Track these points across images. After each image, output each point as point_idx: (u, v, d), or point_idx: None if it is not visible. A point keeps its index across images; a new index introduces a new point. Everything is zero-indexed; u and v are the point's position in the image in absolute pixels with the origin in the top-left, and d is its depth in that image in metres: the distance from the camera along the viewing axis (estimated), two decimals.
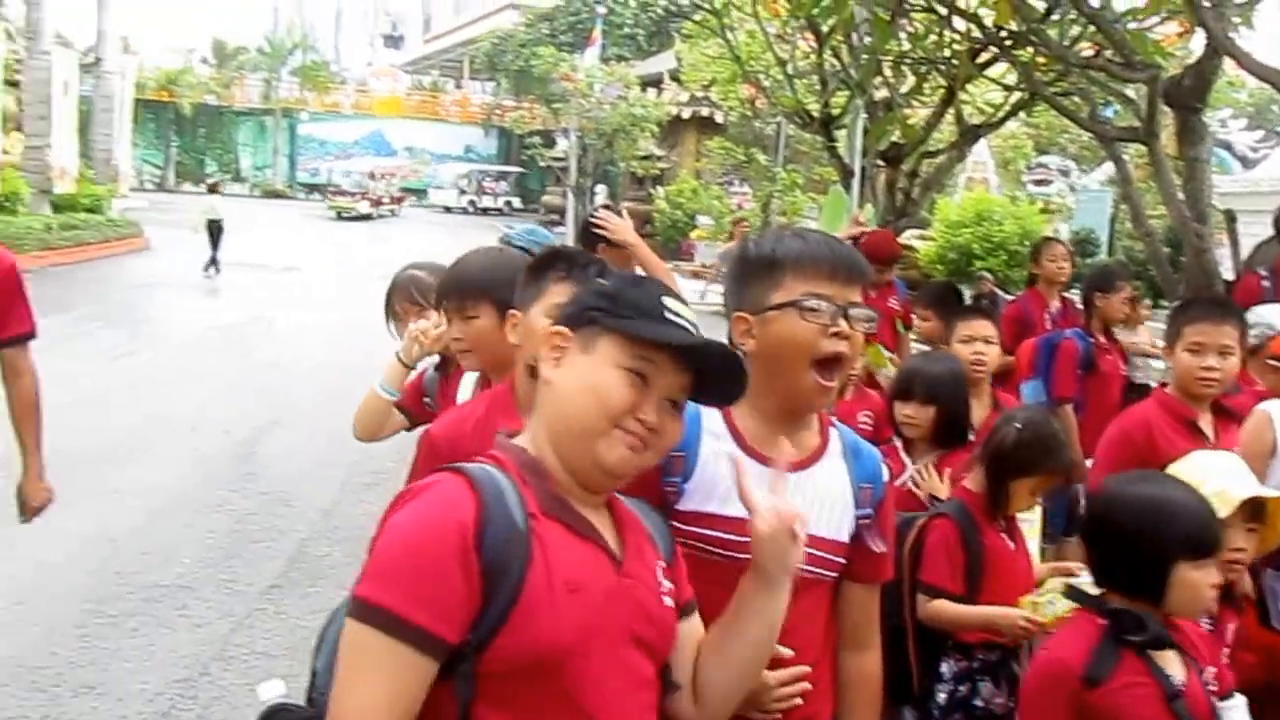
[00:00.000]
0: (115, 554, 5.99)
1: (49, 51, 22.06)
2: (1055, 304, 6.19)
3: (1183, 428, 3.38)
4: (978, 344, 4.05)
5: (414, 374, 3.43)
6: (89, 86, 28.20)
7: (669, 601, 1.68)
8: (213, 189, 23.53)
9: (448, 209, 45.45)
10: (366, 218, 38.00)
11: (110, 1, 27.00)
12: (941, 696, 2.98)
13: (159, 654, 4.80)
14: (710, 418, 2.03)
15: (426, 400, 3.43)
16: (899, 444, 3.64)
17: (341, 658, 1.45)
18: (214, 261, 20.33)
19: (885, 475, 2.11)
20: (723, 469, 1.96)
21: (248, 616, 5.23)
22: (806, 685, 1.96)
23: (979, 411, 3.84)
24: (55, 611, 5.20)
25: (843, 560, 2.03)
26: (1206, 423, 3.42)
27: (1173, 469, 2.62)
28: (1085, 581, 2.62)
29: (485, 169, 49.25)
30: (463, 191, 46.70)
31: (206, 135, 47.24)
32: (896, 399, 3.67)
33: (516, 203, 48.10)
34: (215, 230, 20.34)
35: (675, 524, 1.97)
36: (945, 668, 2.99)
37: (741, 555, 1.91)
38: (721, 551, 1.97)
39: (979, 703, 2.97)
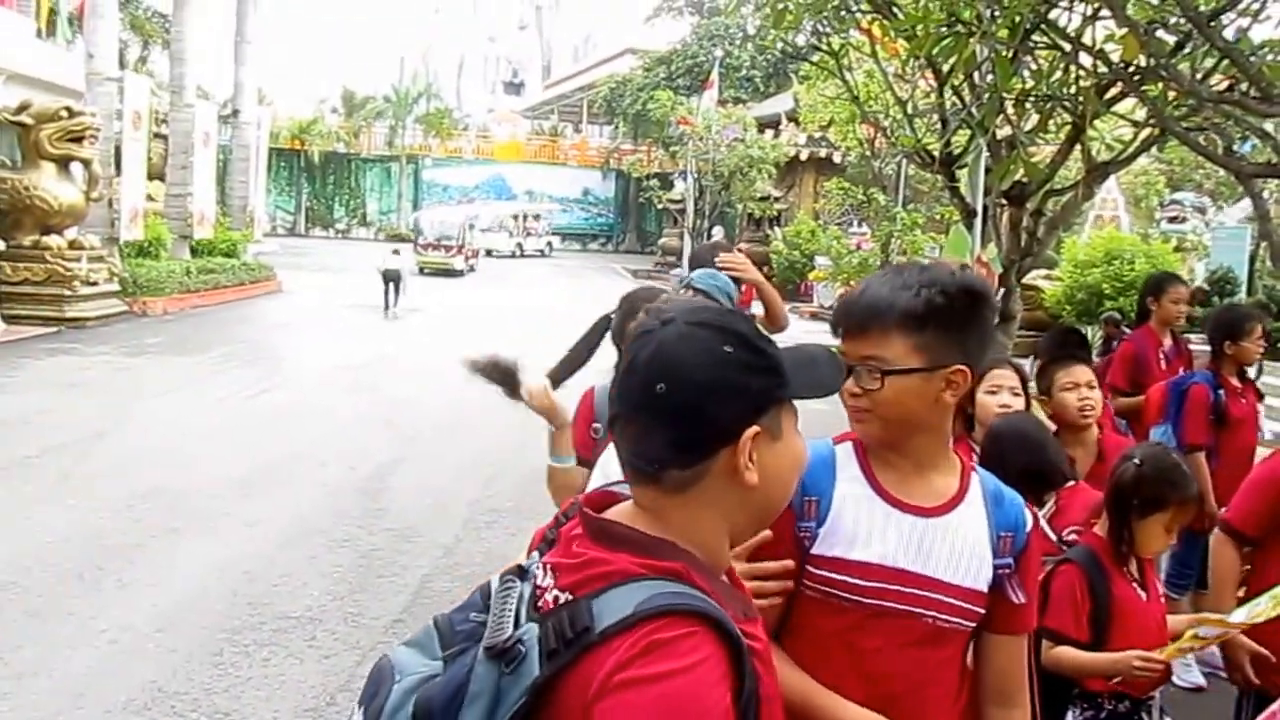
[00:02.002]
0: (249, 584, 6.19)
1: (192, 105, 23.17)
2: (1168, 341, 5.99)
3: None
4: (1082, 389, 3.88)
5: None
6: (226, 136, 29.50)
7: None
8: (395, 252, 23.87)
9: (489, 252, 41.23)
10: (458, 274, 33.15)
11: (247, 56, 28.22)
12: None
13: (289, 683, 4.95)
14: (845, 461, 2.01)
15: (596, 426, 3.23)
16: None
17: None
18: (389, 301, 21.76)
19: (1028, 524, 2.04)
20: (857, 512, 1.95)
21: (373, 649, 5.34)
22: None
23: (1084, 459, 3.73)
24: (192, 639, 5.40)
25: (981, 610, 1.97)
26: None
27: None
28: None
29: (525, 208, 46.95)
30: (511, 233, 44.15)
31: (335, 182, 48.94)
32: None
33: (556, 242, 46.87)
34: (390, 279, 21.70)
35: (809, 568, 1.96)
36: (1071, 717, 2.93)
37: (870, 600, 1.93)
38: (851, 596, 1.94)
39: None
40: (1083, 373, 3.96)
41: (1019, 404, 3.74)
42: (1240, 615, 2.83)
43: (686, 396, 1.39)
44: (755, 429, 1.40)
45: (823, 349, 1.62)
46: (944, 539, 1.95)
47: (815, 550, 1.95)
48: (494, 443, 9.98)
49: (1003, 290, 8.97)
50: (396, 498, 8.22)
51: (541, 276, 33.80)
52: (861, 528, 1.95)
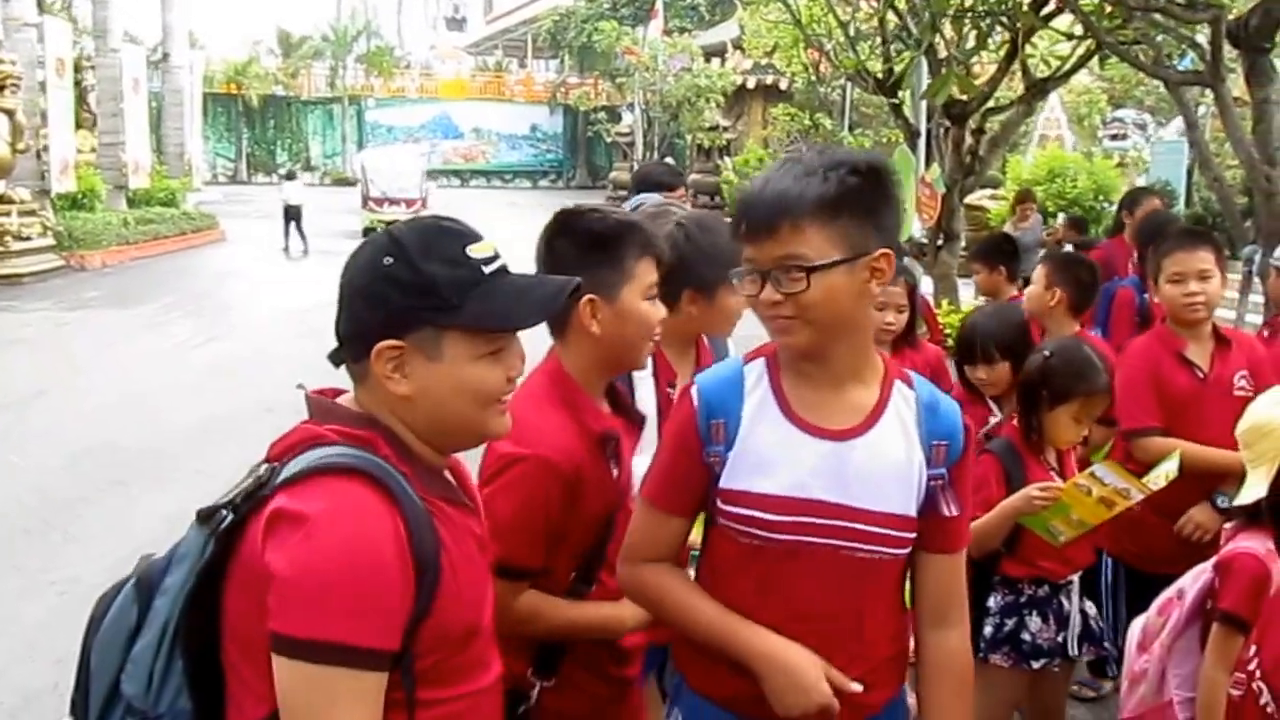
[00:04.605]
0: None
1: (118, 49, 22.55)
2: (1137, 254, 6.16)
3: (1174, 360, 3.46)
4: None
5: None
6: (157, 83, 28.77)
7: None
8: (289, 176, 24.44)
9: None
10: None
11: None
12: (988, 630, 3.03)
13: None
14: (755, 381, 1.87)
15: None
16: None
17: (299, 702, 1.38)
18: (290, 242, 22.02)
19: (964, 432, 1.89)
20: (766, 438, 1.82)
21: None
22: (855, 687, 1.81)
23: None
24: None
25: (911, 535, 1.84)
26: (1203, 351, 3.47)
27: None
28: None
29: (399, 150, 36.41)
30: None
31: (276, 126, 47.90)
32: (964, 363, 3.64)
33: (433, 187, 36.53)
34: (292, 214, 22.06)
35: (719, 502, 1.85)
36: (992, 602, 3.05)
37: (784, 536, 1.80)
38: (763, 533, 1.82)
39: (1026, 636, 3.01)
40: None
41: (903, 319, 3.81)
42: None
43: (344, 296, 1.54)
44: (391, 343, 1.48)
45: (553, 282, 1.64)
46: (863, 462, 1.80)
47: (724, 482, 1.83)
48: None
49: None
50: None
51: (491, 216, 33.43)
52: (771, 455, 1.81)
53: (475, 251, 1.52)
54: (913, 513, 1.83)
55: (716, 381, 1.89)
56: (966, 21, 8.27)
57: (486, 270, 1.52)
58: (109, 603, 1.56)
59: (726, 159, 30.42)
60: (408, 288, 1.48)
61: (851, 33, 10.95)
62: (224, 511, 1.44)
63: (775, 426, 1.82)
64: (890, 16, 9.87)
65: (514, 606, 1.93)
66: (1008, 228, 10.13)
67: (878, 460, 1.81)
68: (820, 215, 1.70)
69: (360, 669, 1.37)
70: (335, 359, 1.59)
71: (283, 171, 29.20)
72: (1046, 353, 3.07)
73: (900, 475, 1.82)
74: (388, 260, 1.49)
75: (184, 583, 1.44)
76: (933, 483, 1.84)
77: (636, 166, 33.67)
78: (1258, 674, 2.10)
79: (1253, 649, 2.16)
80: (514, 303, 1.52)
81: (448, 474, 1.63)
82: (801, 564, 1.80)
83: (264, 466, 1.49)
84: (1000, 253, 5.44)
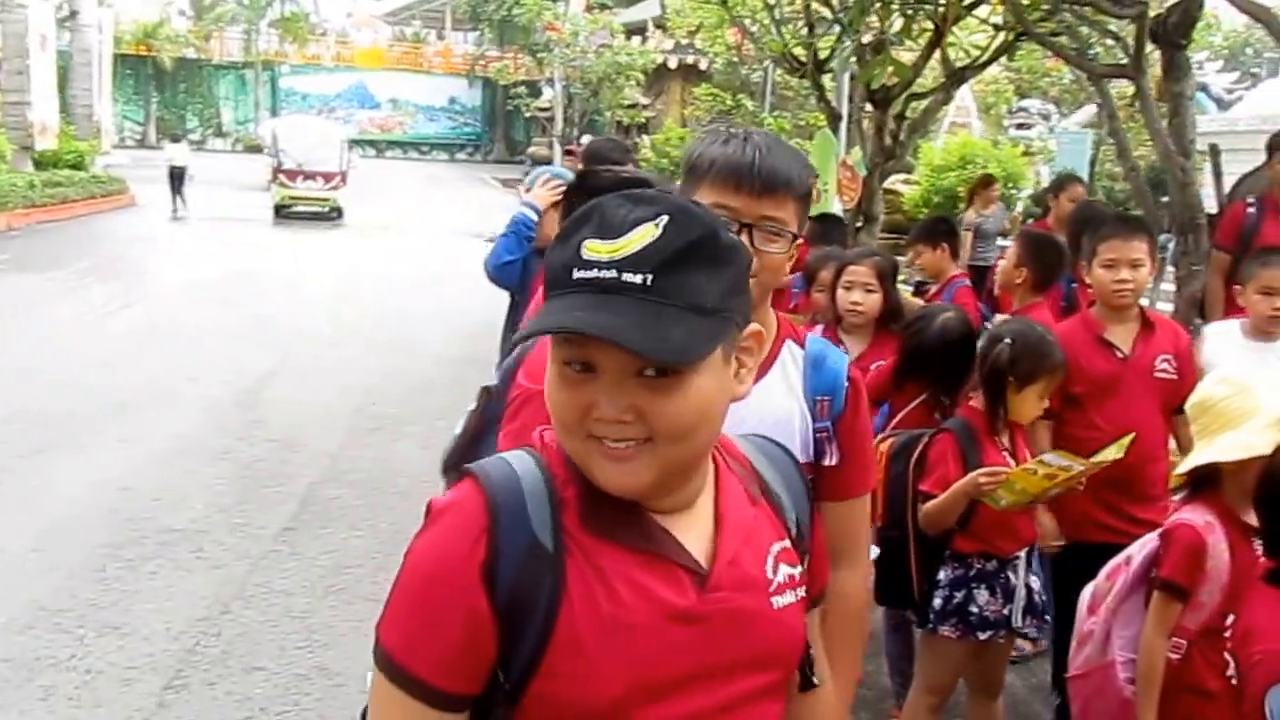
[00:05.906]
0: (127, 501, 6.09)
1: (24, 4, 21.74)
2: (1062, 238, 6.41)
3: (1093, 342, 3.60)
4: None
5: None
6: (65, 41, 27.78)
7: (784, 600, 1.37)
8: (175, 139, 24.94)
9: None
10: (330, 216, 23.58)
11: None
12: (938, 602, 3.16)
13: (179, 594, 4.93)
14: None
15: None
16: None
17: (372, 710, 1.28)
18: (176, 206, 22.18)
19: (846, 386, 2.01)
20: None
21: (263, 557, 5.35)
22: None
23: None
24: (72, 557, 5.31)
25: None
26: (1127, 334, 3.62)
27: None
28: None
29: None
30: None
31: (187, 90, 46.56)
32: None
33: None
34: (177, 176, 22.10)
35: None
36: (943, 575, 3.18)
37: None
38: None
39: (974, 609, 3.14)
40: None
41: (873, 300, 3.99)
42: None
43: None
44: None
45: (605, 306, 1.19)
46: (747, 411, 1.86)
47: None
48: (370, 354, 9.92)
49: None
50: (276, 410, 8.12)
51: (409, 185, 33.02)
52: None
53: (591, 250, 1.19)
54: (798, 458, 1.95)
55: None
56: (894, 7, 8.45)
57: (576, 275, 1.19)
58: None
59: (644, 137, 30.47)
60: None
61: (776, 15, 11.09)
62: None
63: None
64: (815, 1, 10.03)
65: None
66: (970, 215, 10.09)
67: (760, 411, 1.90)
68: (800, 197, 1.92)
69: (405, 692, 1.21)
70: None
71: (195, 137, 28.77)
72: (1008, 340, 3.21)
73: (782, 425, 1.93)
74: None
75: None
76: (819, 435, 1.99)
77: (555, 142, 33.64)
78: (1229, 644, 2.27)
79: (1230, 618, 2.33)
80: (548, 313, 1.21)
81: (686, 515, 1.32)
82: None
83: None
84: (940, 232, 5.62)
